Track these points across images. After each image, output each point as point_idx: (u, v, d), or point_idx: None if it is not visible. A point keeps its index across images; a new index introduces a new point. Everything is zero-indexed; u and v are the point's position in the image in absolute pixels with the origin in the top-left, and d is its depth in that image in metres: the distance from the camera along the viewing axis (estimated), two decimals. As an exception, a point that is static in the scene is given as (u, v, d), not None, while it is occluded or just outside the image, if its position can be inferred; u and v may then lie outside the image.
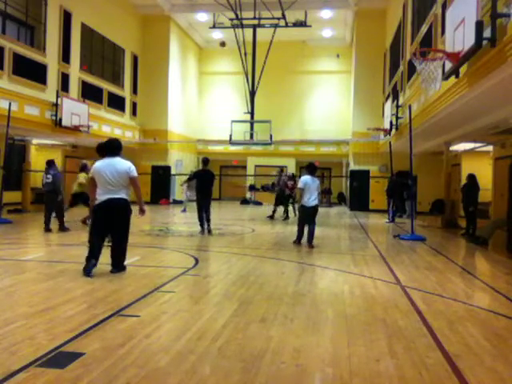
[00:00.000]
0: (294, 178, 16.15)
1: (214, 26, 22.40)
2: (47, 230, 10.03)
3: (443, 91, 8.34)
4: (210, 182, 10.48)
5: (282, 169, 18.60)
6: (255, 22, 20.61)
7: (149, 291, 4.91)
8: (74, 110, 15.57)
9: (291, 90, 25.78)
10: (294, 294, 4.99)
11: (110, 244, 6.02)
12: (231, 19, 20.14)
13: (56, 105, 15.02)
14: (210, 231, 10.49)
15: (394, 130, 14.97)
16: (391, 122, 14.96)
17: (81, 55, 17.23)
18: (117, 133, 19.12)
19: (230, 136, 20.84)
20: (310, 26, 21.79)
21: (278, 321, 4.00)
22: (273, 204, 15.62)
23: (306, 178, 8.46)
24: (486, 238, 9.64)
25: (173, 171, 22.64)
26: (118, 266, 5.87)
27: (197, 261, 6.94)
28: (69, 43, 16.40)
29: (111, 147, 5.97)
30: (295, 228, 9.26)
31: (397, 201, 15.64)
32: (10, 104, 12.21)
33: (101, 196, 5.75)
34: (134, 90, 21.53)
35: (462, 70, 7.08)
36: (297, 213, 10.32)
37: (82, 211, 10.52)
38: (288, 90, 25.70)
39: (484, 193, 12.60)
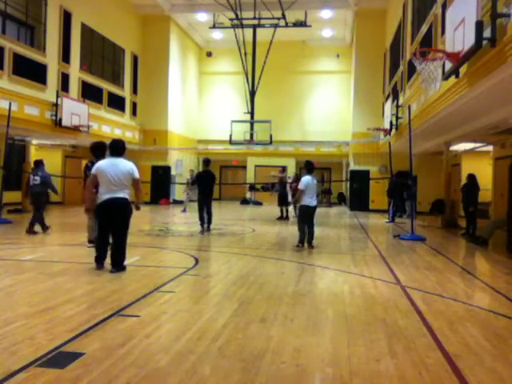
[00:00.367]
0: (299, 179, 16.13)
1: (214, 26, 22.40)
2: (31, 231, 9.58)
3: (443, 91, 8.34)
4: (211, 182, 10.73)
5: (283, 168, 18.62)
6: (255, 22, 20.62)
7: (149, 291, 4.90)
8: (74, 110, 15.57)
9: (291, 90, 25.77)
10: (293, 294, 4.99)
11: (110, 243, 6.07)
12: (231, 19, 20.14)
13: (56, 105, 15.02)
14: (209, 230, 10.61)
15: (393, 130, 14.97)
16: (391, 122, 14.96)
17: (81, 55, 17.24)
18: (117, 133, 19.11)
19: (230, 136, 20.86)
20: (310, 26, 21.80)
21: (278, 321, 4.00)
22: (277, 205, 15.62)
23: (307, 179, 8.41)
24: (485, 238, 9.64)
25: (173, 171, 22.64)
26: (117, 265, 5.90)
27: (197, 261, 6.94)
28: (69, 43, 16.41)
29: (116, 147, 6.04)
30: (295, 228, 9.24)
31: (397, 201, 15.64)
32: (10, 104, 12.21)
33: (103, 195, 5.84)
34: (134, 90, 21.52)
35: (462, 70, 7.07)
36: (297, 212, 10.31)
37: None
38: (288, 90, 25.70)
39: (484, 193, 12.60)
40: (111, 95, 19.33)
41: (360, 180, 20.25)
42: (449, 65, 7.35)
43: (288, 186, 15.60)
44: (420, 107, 11.01)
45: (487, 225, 10.48)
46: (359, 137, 20.40)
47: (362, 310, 4.45)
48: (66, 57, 16.22)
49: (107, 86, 19.05)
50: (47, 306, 4.23)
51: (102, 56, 19.03)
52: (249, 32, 21.00)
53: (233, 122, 21.12)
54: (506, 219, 9.52)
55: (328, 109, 25.45)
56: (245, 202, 24.83)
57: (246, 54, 20.91)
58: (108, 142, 6.31)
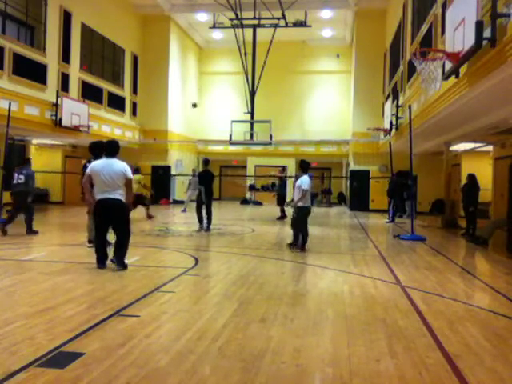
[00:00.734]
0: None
1: (214, 26, 22.38)
2: (31, 232, 9.47)
3: (443, 91, 8.34)
4: (210, 181, 10.86)
5: (283, 168, 18.62)
6: (255, 21, 20.60)
7: (149, 291, 4.91)
8: (74, 110, 15.56)
9: (291, 90, 25.76)
10: (293, 294, 4.99)
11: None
12: (231, 19, 20.13)
13: (56, 105, 15.01)
14: (208, 230, 10.65)
15: (394, 130, 14.98)
16: (391, 122, 14.96)
17: (81, 55, 17.22)
18: (117, 133, 19.12)
19: (230, 136, 20.84)
20: (310, 26, 21.77)
21: (278, 321, 4.00)
22: (276, 204, 15.61)
23: (307, 179, 8.34)
24: (485, 238, 9.63)
25: (173, 171, 22.64)
26: (118, 261, 5.97)
27: (197, 261, 6.94)
28: (69, 43, 16.40)
29: (111, 148, 6.07)
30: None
31: (397, 201, 15.64)
32: (9, 104, 12.19)
33: (97, 195, 5.93)
34: (134, 90, 21.52)
35: (462, 70, 7.07)
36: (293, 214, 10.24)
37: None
38: (288, 90, 25.69)
39: (484, 193, 12.60)
40: (111, 95, 19.32)
41: (360, 180, 20.26)
42: (449, 65, 7.35)
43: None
44: (420, 107, 11.01)
45: (487, 225, 10.48)
46: (359, 137, 20.40)
47: (361, 310, 4.45)
48: (65, 57, 16.21)
49: (107, 86, 19.04)
50: (47, 306, 4.23)
51: (102, 56, 19.02)
52: (249, 32, 20.99)
53: (233, 121, 21.10)
54: (506, 219, 9.52)
55: (328, 109, 25.44)
56: (245, 202, 24.83)
57: (245, 54, 20.89)
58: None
